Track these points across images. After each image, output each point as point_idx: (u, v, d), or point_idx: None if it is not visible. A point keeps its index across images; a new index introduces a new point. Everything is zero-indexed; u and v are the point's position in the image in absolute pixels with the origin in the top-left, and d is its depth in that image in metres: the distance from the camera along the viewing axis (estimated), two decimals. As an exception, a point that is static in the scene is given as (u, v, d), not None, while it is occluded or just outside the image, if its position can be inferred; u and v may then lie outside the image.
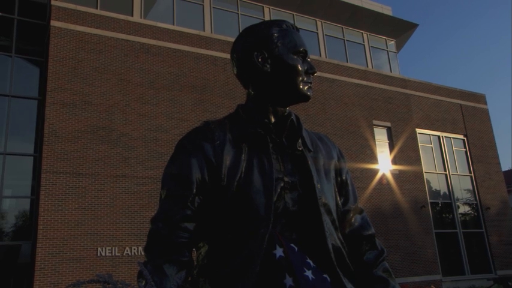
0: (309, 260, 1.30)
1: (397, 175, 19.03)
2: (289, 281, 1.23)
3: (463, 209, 21.61)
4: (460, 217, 21.09)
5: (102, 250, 12.66)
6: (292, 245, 1.30)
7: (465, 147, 22.25)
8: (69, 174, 12.92)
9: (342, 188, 1.54)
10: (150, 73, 15.07)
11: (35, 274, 11.79)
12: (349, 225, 1.51)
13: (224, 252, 1.30)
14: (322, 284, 1.27)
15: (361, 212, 1.57)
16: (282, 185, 1.36)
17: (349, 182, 1.57)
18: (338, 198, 1.51)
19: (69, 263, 12.19)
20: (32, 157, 14.71)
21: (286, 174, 1.38)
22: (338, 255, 1.36)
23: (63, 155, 13.01)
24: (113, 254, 12.77)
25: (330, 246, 1.34)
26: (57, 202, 12.54)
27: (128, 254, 12.91)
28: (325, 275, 1.30)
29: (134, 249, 13.01)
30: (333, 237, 1.37)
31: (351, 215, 1.53)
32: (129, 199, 13.45)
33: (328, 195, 1.42)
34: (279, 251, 1.27)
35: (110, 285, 1.11)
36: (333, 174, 1.51)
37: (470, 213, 21.77)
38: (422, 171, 20.01)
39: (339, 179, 1.53)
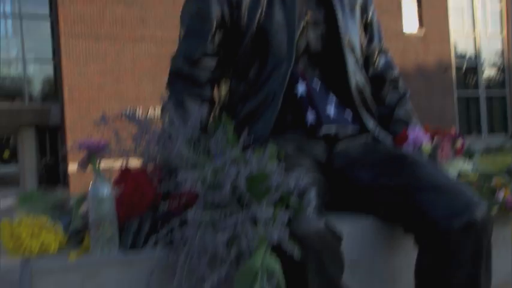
0: (332, 96, 1.30)
1: (421, 38, 18.32)
2: (311, 115, 1.25)
3: (488, 72, 21.05)
4: (484, 80, 20.69)
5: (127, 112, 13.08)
6: (315, 80, 1.30)
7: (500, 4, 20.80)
8: (88, 36, 12.80)
9: (367, 26, 1.48)
10: None
11: (67, 134, 12.42)
12: (372, 65, 1.48)
13: (246, 90, 1.30)
14: (342, 118, 1.29)
15: (386, 52, 1.53)
16: (305, 21, 1.31)
17: (374, 20, 1.50)
18: (363, 37, 1.45)
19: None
20: (49, 21, 14.55)
21: (309, 9, 1.32)
22: (360, 94, 1.35)
23: (79, 18, 12.78)
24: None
25: (353, 84, 1.32)
26: (79, 66, 12.67)
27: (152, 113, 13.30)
28: (347, 110, 1.31)
29: (158, 108, 13.38)
30: (356, 76, 1.35)
31: (376, 54, 1.49)
32: (149, 62, 13.44)
33: (352, 33, 1.37)
34: (301, 87, 1.27)
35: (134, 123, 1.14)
36: (358, 12, 1.44)
37: (495, 77, 21.25)
38: (448, 32, 19.18)
39: (364, 16, 1.46)
